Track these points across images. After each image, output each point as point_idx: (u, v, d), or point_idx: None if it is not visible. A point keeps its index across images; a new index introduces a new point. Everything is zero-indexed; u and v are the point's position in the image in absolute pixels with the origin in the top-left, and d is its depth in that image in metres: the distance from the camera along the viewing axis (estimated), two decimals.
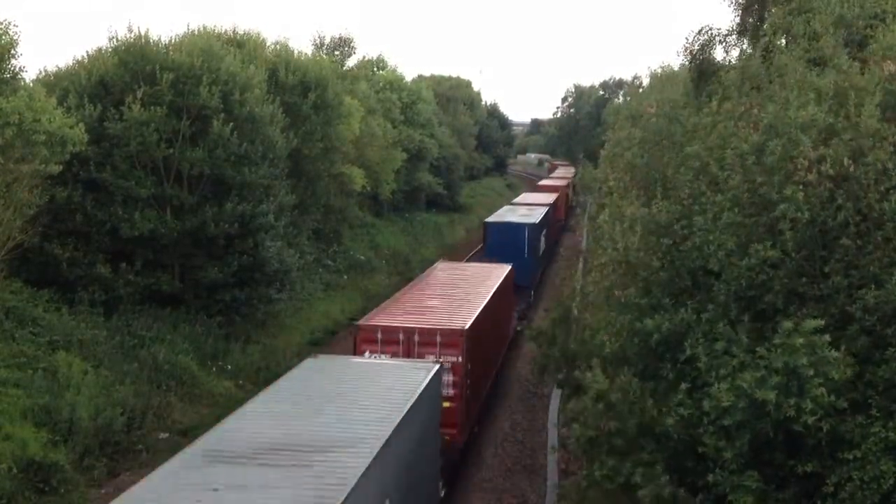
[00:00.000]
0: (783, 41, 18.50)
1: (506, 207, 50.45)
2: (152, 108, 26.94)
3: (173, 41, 29.99)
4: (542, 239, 45.56)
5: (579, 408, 14.26)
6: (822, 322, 11.60)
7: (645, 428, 12.99)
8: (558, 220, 63.86)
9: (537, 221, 42.48)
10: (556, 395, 26.17)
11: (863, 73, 14.31)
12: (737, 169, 13.51)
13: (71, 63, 29.32)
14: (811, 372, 11.22)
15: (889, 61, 13.76)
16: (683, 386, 12.58)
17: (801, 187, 12.40)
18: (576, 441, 15.19)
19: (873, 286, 11.91)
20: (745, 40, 21.40)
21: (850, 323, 12.18)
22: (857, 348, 11.99)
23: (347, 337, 34.83)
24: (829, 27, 16.50)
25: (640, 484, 12.46)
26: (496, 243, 38.94)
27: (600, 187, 21.35)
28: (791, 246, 12.49)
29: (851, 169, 12.36)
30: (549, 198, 58.66)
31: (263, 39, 39.59)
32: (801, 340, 11.35)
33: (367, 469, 10.89)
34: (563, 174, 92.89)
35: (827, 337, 11.44)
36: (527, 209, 47.22)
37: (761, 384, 11.36)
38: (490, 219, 43.54)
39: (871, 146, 12.61)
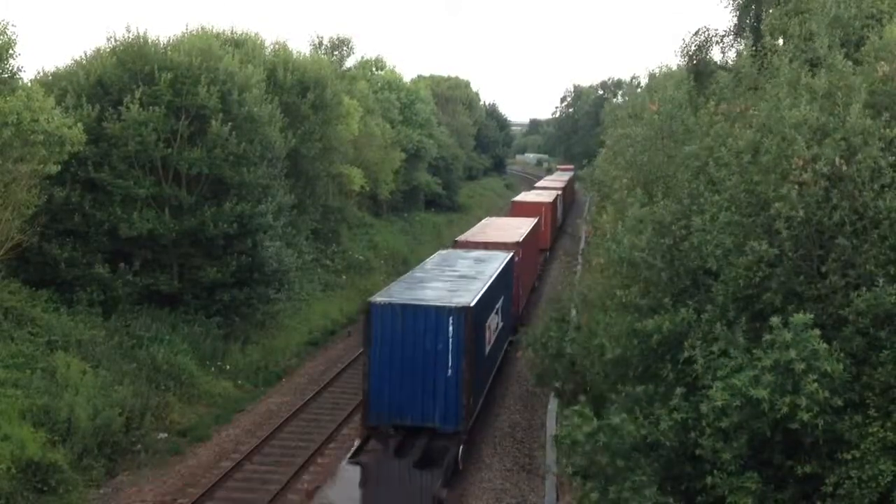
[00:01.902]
0: (780, 41, 18.53)
1: (435, 257, 27.95)
2: (151, 107, 26.94)
3: (172, 41, 29.99)
4: (495, 321, 24.37)
5: (567, 442, 13.92)
6: (812, 317, 11.61)
7: (640, 445, 12.82)
8: (539, 251, 43.95)
9: (474, 301, 20.07)
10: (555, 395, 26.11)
11: (854, 74, 14.33)
12: (733, 168, 13.54)
13: (69, 63, 29.37)
14: (803, 367, 11.22)
15: (883, 62, 13.77)
16: (679, 391, 12.56)
17: (796, 186, 12.42)
18: (567, 470, 15.10)
19: (864, 290, 11.92)
20: (742, 41, 21.44)
21: (846, 323, 12.19)
22: (852, 349, 12.00)
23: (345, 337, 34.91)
24: (826, 28, 16.52)
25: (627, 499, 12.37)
26: (389, 347, 19.23)
27: (601, 188, 21.31)
28: (788, 245, 12.50)
29: (844, 168, 12.38)
30: (522, 228, 36.47)
31: (262, 39, 39.65)
32: (790, 336, 11.37)
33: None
34: (554, 181, 77.85)
35: (817, 331, 11.45)
36: (469, 264, 25.86)
37: (755, 383, 11.37)
38: (379, 297, 20.29)
39: (860, 144, 12.62)
